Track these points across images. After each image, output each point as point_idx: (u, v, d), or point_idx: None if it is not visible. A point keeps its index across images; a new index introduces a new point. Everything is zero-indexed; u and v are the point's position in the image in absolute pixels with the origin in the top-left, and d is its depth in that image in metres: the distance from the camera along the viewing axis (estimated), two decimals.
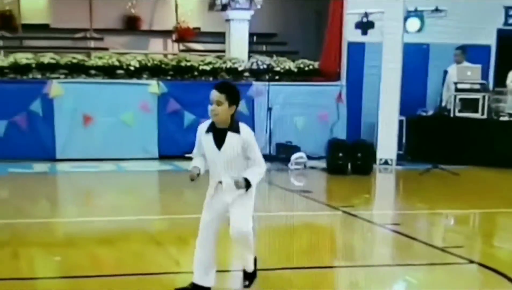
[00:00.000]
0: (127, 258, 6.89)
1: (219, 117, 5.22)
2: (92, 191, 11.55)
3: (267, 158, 13.49)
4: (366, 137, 14.20)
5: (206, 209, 5.45)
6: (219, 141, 5.25)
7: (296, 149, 13.65)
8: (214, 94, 5.20)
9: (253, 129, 14.52)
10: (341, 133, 14.45)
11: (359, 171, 12.73)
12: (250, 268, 5.72)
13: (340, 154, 12.80)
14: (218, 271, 5.61)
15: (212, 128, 5.29)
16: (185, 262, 6.23)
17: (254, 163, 5.33)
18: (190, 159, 5.48)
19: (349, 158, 12.82)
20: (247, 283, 5.74)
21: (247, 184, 5.25)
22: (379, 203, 11.18)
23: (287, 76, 15.24)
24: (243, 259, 5.72)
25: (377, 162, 13.61)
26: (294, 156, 13.32)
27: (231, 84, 5.41)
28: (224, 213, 5.45)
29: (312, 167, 13.39)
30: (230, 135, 5.24)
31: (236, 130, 5.25)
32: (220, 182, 5.35)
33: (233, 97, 5.26)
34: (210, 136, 5.29)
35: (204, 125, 5.36)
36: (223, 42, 16.30)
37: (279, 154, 13.94)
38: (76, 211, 9.74)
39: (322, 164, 13.37)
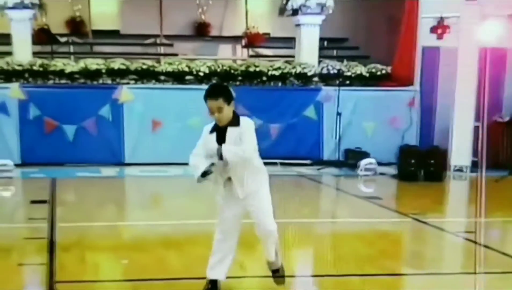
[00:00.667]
0: (193, 262, 6.83)
1: (225, 120, 5.30)
2: (159, 195, 11.59)
3: (335, 164, 13.53)
4: (440, 143, 13.82)
5: (223, 210, 5.56)
6: (221, 138, 5.32)
7: (366, 155, 13.42)
8: (212, 103, 5.27)
9: (321, 134, 14.46)
10: (413, 139, 14.15)
11: (432, 178, 12.46)
12: (277, 263, 5.70)
13: (412, 161, 12.55)
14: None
15: (215, 128, 5.38)
16: (249, 266, 6.16)
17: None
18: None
19: (421, 164, 12.56)
20: (283, 280, 5.76)
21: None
22: (451, 211, 10.88)
23: (358, 81, 15.02)
24: (268, 253, 5.66)
25: (451, 169, 13.27)
26: (363, 162, 13.10)
27: (217, 84, 5.51)
28: (242, 212, 5.53)
29: (382, 174, 13.14)
30: (230, 130, 5.31)
31: (236, 124, 5.32)
32: (229, 178, 5.42)
33: (228, 94, 5.32)
34: (213, 136, 5.36)
35: (208, 126, 5.46)
36: (293, 47, 16.13)
37: (348, 160, 13.79)
38: (144, 214, 9.76)
39: (393, 170, 13.14)
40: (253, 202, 5.46)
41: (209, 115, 5.36)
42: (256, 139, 5.35)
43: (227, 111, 5.28)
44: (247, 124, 5.34)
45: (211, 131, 5.38)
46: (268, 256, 5.69)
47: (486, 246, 7.60)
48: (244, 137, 5.27)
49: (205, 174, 5.33)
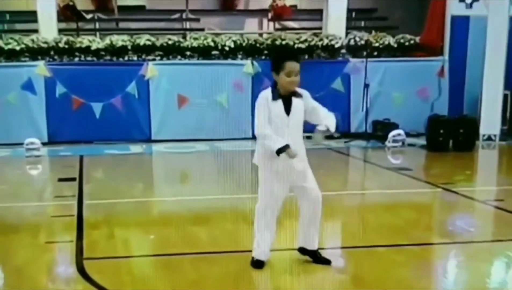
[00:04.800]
0: (221, 236, 6.87)
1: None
2: (186, 171, 11.57)
3: (363, 136, 13.42)
4: (469, 112, 13.70)
5: (275, 181, 5.43)
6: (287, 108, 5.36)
7: (394, 126, 13.26)
8: (295, 66, 5.30)
9: (349, 107, 14.29)
10: (442, 109, 13.92)
11: (461, 147, 12.35)
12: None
13: (441, 131, 12.42)
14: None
15: (278, 96, 5.37)
16: (277, 240, 6.09)
17: None
18: None
19: (450, 134, 12.45)
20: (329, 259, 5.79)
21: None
22: (481, 180, 10.72)
23: (386, 51, 14.85)
24: (316, 235, 5.73)
25: (480, 138, 13.22)
26: (391, 134, 12.96)
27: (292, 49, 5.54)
28: (295, 183, 5.51)
29: (411, 145, 13.03)
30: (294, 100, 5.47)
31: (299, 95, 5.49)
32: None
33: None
34: (278, 104, 5.35)
35: (265, 94, 5.38)
36: (320, 20, 15.99)
37: (376, 132, 13.67)
38: (171, 190, 9.76)
39: (422, 141, 13.04)
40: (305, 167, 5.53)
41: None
42: None
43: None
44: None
45: (274, 99, 5.33)
46: (316, 242, 5.76)
47: None
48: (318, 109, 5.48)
49: (280, 151, 5.29)
